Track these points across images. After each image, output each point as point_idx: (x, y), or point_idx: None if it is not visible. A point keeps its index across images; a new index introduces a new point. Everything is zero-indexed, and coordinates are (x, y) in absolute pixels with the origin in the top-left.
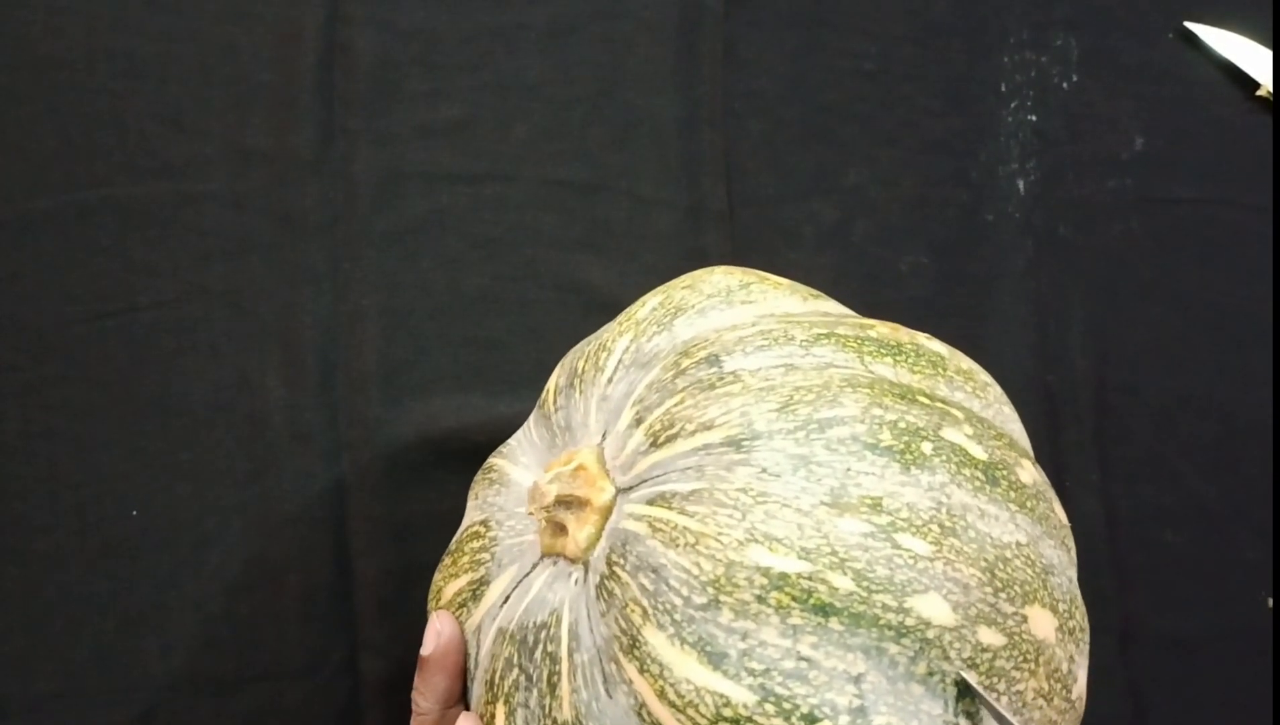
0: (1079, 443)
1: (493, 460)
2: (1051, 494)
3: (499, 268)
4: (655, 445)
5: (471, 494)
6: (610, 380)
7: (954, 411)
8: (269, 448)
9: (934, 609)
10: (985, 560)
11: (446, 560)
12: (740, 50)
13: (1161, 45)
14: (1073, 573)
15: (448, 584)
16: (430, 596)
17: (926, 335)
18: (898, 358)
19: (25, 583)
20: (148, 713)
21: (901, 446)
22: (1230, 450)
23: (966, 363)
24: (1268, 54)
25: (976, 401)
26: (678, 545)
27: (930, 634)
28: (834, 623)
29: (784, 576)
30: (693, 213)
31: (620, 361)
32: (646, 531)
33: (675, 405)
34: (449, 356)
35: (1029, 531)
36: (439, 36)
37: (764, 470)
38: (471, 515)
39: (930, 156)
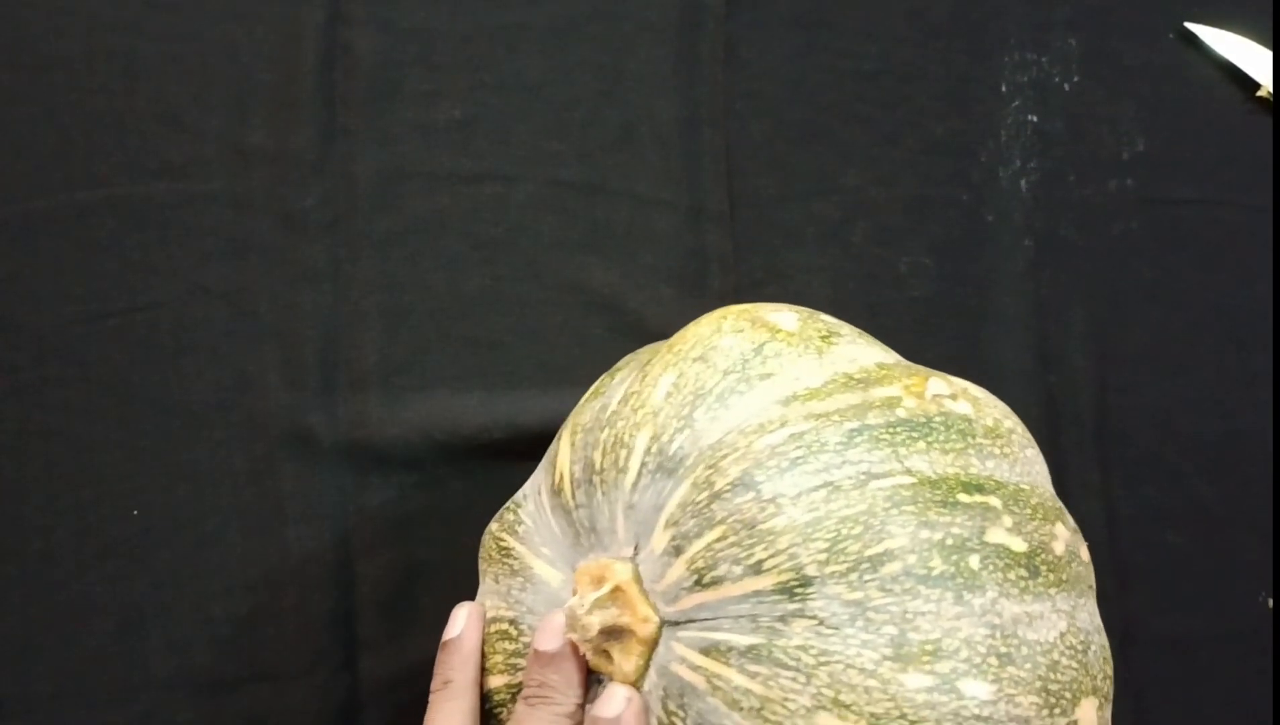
0: (1079, 443)
1: (510, 541)
2: (1078, 540)
3: (499, 268)
4: (701, 584)
5: (484, 565)
6: (634, 486)
7: (992, 502)
8: (269, 448)
9: None
10: (1039, 678)
11: None
12: (741, 51)
13: (1161, 45)
14: (1094, 608)
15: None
16: None
17: (944, 380)
18: (929, 440)
19: (25, 583)
20: (148, 713)
21: (952, 570)
22: (1230, 450)
23: (990, 417)
24: (1268, 54)
25: (1006, 463)
26: (741, 708)
27: None
28: None
29: None
30: (693, 213)
31: (644, 464)
32: (705, 687)
33: (717, 541)
34: (449, 356)
35: (1067, 610)
36: (439, 36)
37: (821, 623)
38: (494, 602)
39: (930, 157)
